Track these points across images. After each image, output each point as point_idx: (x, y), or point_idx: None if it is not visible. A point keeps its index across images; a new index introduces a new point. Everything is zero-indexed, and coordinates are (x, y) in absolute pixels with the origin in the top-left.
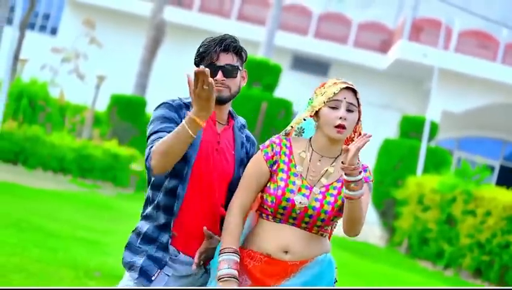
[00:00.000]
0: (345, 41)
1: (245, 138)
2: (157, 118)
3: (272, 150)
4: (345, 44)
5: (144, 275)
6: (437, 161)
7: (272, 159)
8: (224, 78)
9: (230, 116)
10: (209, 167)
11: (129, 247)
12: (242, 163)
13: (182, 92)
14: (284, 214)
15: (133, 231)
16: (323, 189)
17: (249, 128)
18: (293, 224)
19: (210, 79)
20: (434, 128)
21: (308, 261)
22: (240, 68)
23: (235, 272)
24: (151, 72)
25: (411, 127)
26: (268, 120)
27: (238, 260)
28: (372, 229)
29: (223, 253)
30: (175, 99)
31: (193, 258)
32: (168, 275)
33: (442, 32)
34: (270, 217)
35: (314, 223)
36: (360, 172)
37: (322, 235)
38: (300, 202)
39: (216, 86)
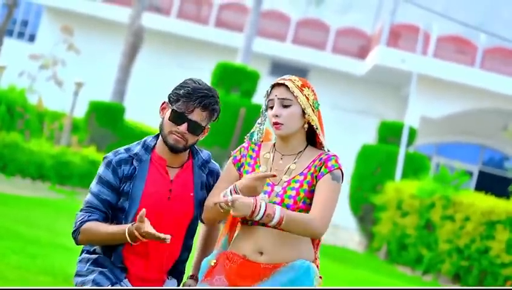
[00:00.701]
0: (324, 47)
1: (206, 176)
2: (97, 177)
3: (240, 153)
4: (323, 50)
5: (98, 285)
6: (415, 167)
7: (239, 161)
8: (186, 132)
9: (191, 154)
10: (156, 219)
11: (78, 274)
12: (202, 203)
13: (160, 98)
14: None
15: (79, 261)
16: (284, 184)
17: (227, 134)
18: (262, 224)
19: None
20: (412, 133)
21: (282, 265)
22: (206, 127)
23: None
24: (129, 78)
25: (390, 132)
26: (246, 126)
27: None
28: (351, 235)
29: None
30: (119, 151)
31: None
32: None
33: (420, 37)
34: (244, 221)
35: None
36: (257, 212)
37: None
38: (261, 199)
39: (175, 134)
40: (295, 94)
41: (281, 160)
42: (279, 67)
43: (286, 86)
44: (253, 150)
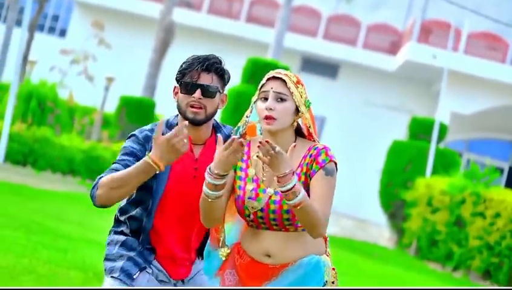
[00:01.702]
0: (355, 43)
1: None
2: (121, 150)
3: None
4: (354, 46)
5: (126, 273)
6: (446, 163)
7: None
8: (201, 97)
9: (214, 130)
10: (182, 198)
11: (107, 258)
12: None
13: None
14: (253, 220)
15: (108, 244)
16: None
17: None
18: (266, 228)
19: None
20: (443, 129)
21: (289, 264)
22: (220, 90)
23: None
24: (160, 73)
25: (420, 128)
26: None
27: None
28: (381, 231)
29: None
30: (145, 129)
31: (171, 276)
32: (149, 273)
33: (451, 34)
34: (247, 223)
35: (282, 223)
36: (290, 180)
37: (304, 230)
38: (252, 207)
39: (192, 104)
40: (291, 90)
41: None
42: (310, 63)
43: (283, 81)
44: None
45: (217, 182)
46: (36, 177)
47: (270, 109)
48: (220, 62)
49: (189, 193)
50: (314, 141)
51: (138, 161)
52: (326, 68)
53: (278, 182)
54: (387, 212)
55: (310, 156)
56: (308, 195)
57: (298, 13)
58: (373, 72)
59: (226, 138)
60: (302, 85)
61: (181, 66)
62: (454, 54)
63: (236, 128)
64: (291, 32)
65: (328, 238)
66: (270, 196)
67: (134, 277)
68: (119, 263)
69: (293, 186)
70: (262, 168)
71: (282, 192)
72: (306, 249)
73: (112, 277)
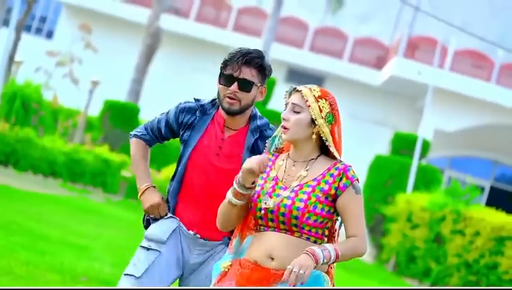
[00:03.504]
0: (341, 56)
1: (255, 140)
2: (165, 112)
3: None
4: (340, 58)
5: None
6: (427, 179)
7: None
8: (237, 91)
9: (250, 119)
10: (205, 169)
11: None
12: None
13: (175, 99)
14: (262, 217)
15: None
16: (296, 188)
17: None
18: (274, 229)
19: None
20: (426, 146)
21: None
22: (258, 84)
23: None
24: (145, 79)
25: (403, 144)
26: None
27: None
28: None
29: None
30: (189, 101)
31: (198, 234)
32: (177, 221)
33: (438, 50)
34: (257, 227)
35: (289, 221)
36: (321, 265)
37: (309, 240)
38: (265, 203)
39: (228, 96)
40: (307, 102)
41: (293, 166)
42: (295, 74)
43: (302, 93)
44: (270, 159)
45: (242, 191)
46: (17, 178)
47: (284, 119)
48: (262, 57)
49: (210, 167)
50: (334, 156)
51: (167, 127)
52: (311, 80)
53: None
54: (366, 226)
55: (337, 168)
56: (335, 210)
57: (285, 24)
58: (358, 85)
59: (257, 128)
60: (326, 100)
61: (225, 56)
62: (439, 71)
63: (272, 138)
64: (277, 43)
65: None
66: (282, 199)
67: (165, 217)
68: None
69: (326, 261)
70: (284, 171)
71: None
72: None
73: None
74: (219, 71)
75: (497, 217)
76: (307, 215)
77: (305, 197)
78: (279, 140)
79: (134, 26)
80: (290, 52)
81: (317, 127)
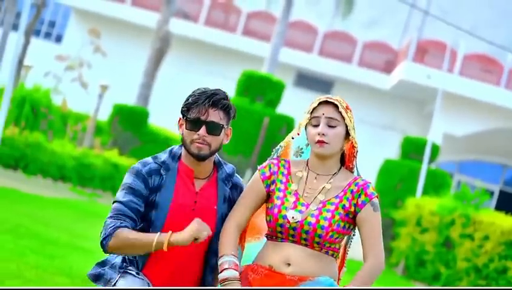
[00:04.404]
0: (350, 60)
1: (229, 190)
2: (124, 186)
3: (269, 170)
4: (349, 63)
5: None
6: (437, 183)
7: (269, 179)
8: (206, 135)
9: (215, 166)
10: (181, 229)
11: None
12: (224, 217)
13: None
14: (283, 232)
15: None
16: (320, 205)
17: (250, 143)
18: (293, 242)
19: None
20: (435, 150)
21: (308, 279)
22: (225, 126)
23: (236, 273)
24: (154, 83)
25: (413, 148)
26: (269, 135)
27: (238, 263)
28: None
29: (221, 257)
30: (147, 161)
31: None
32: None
33: (447, 54)
34: (273, 237)
35: (312, 239)
36: None
37: (327, 253)
38: (293, 217)
39: (197, 141)
40: (342, 115)
41: (315, 179)
42: (304, 78)
43: (335, 105)
44: (284, 166)
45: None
46: (26, 182)
47: (323, 134)
48: (227, 97)
49: (187, 225)
50: (352, 169)
51: (142, 200)
52: (320, 84)
53: None
54: None
55: (357, 184)
56: (353, 224)
57: (294, 28)
58: (367, 90)
59: (227, 176)
60: (350, 110)
61: (187, 99)
62: (449, 75)
63: (277, 147)
64: (286, 47)
65: (343, 268)
66: (306, 217)
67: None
68: (104, 269)
69: None
70: (305, 183)
71: None
72: (325, 268)
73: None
74: (181, 114)
75: (506, 221)
76: (330, 233)
77: (329, 215)
78: (282, 149)
79: (143, 30)
80: (299, 57)
81: (351, 138)
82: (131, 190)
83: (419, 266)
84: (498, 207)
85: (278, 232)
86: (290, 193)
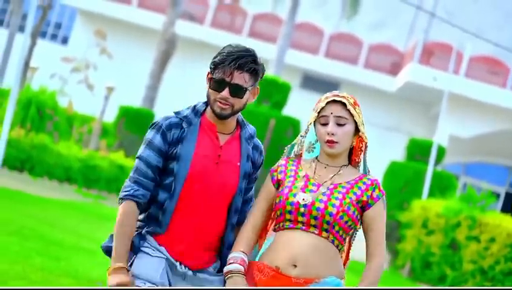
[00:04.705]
0: (356, 62)
1: (251, 149)
2: (146, 141)
3: (278, 165)
4: (355, 65)
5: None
6: (443, 185)
7: (276, 171)
8: (229, 96)
9: (239, 125)
10: (204, 183)
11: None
12: (247, 175)
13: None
14: (292, 211)
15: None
16: (331, 186)
17: None
18: (302, 226)
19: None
20: (441, 152)
21: (314, 281)
22: (249, 88)
23: (241, 267)
24: (160, 85)
25: (418, 150)
26: (276, 137)
27: (246, 259)
28: None
29: (231, 253)
30: (169, 116)
31: (180, 262)
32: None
33: (453, 56)
34: (281, 224)
35: (322, 218)
36: None
37: (333, 242)
38: (303, 199)
39: (219, 101)
40: (351, 112)
41: (325, 168)
42: (310, 80)
43: (342, 104)
44: (292, 164)
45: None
46: (32, 184)
47: (332, 133)
48: (255, 60)
49: (211, 178)
50: (358, 164)
51: (161, 155)
52: (326, 86)
53: None
54: None
55: (369, 179)
56: (361, 214)
57: (300, 30)
58: (373, 91)
59: (250, 137)
60: (358, 106)
61: (216, 57)
62: (454, 77)
63: (290, 146)
64: (293, 49)
65: (347, 263)
66: (318, 195)
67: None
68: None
69: None
70: (314, 170)
71: None
72: (331, 268)
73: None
74: (209, 69)
75: None
76: (341, 214)
77: (340, 196)
78: (298, 147)
79: (149, 32)
80: (305, 58)
81: (360, 134)
82: (150, 145)
83: (425, 268)
84: (505, 209)
85: (287, 212)
86: (300, 177)
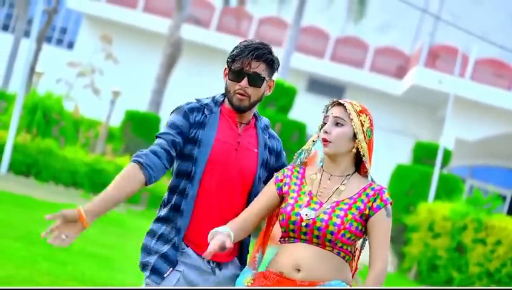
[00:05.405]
0: (362, 65)
1: (268, 138)
2: (168, 123)
3: (283, 174)
4: (361, 68)
5: (156, 273)
6: (449, 188)
7: (282, 181)
8: (248, 86)
9: (254, 117)
10: (224, 168)
11: (144, 249)
12: (264, 163)
13: None
14: (295, 230)
15: (148, 233)
16: (333, 204)
17: None
18: (305, 241)
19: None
20: (447, 155)
21: (318, 283)
22: (267, 79)
23: (227, 229)
24: (166, 89)
25: (425, 153)
26: (282, 141)
27: (231, 233)
28: None
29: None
30: (191, 102)
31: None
32: (180, 271)
33: (459, 59)
34: (286, 238)
35: (324, 236)
36: None
37: (339, 254)
38: (306, 214)
39: (238, 92)
40: (350, 116)
41: (329, 180)
42: (316, 83)
43: (344, 107)
44: (298, 171)
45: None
46: (38, 189)
47: (326, 132)
48: (271, 51)
49: (231, 164)
50: (367, 174)
51: (180, 134)
52: (332, 89)
53: None
54: None
55: (373, 189)
56: (361, 222)
57: (305, 34)
58: (378, 95)
59: (265, 127)
60: (366, 115)
61: (233, 51)
62: (460, 80)
63: (300, 151)
64: (298, 53)
65: (357, 269)
66: (319, 214)
67: (165, 275)
68: (151, 259)
69: None
70: (319, 184)
71: None
72: (337, 271)
73: (145, 275)
74: (226, 64)
75: None
76: (342, 231)
77: (342, 213)
78: (305, 154)
79: (155, 36)
80: (310, 62)
81: (357, 141)
82: (171, 125)
83: (431, 271)
84: (511, 212)
85: (290, 231)
86: (304, 193)
